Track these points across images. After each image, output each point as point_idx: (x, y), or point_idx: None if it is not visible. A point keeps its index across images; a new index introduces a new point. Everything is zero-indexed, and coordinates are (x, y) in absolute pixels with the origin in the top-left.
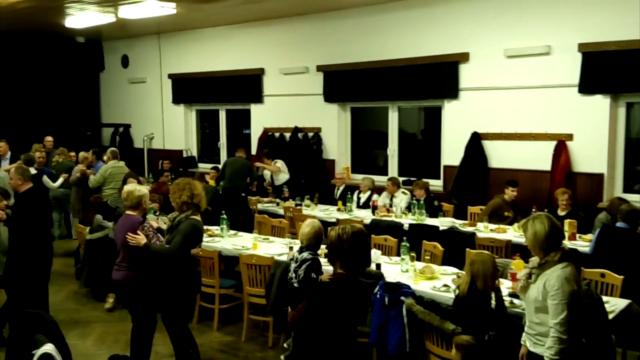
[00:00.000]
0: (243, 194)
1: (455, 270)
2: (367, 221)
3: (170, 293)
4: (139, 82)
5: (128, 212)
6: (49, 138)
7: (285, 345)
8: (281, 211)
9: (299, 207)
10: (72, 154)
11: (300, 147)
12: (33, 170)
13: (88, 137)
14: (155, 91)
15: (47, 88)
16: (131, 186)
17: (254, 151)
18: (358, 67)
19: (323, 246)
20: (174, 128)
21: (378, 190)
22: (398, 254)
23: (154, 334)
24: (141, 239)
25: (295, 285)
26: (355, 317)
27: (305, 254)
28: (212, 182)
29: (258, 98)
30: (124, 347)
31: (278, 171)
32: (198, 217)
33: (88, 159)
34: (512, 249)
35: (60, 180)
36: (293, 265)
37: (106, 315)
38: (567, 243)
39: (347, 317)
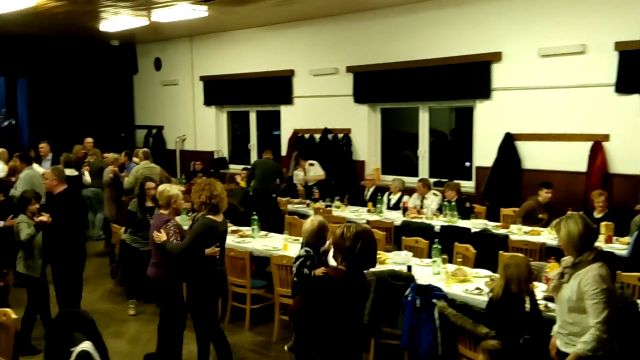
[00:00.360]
0: (273, 195)
1: (488, 273)
2: (398, 223)
3: (189, 291)
4: (171, 85)
5: (161, 211)
6: (89, 139)
7: None
8: (311, 212)
9: (329, 208)
10: (107, 155)
11: (330, 148)
12: (74, 172)
13: (122, 138)
14: (187, 93)
15: (84, 91)
16: (163, 186)
17: (284, 152)
18: (388, 67)
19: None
20: (205, 129)
21: (408, 191)
22: (429, 256)
23: (182, 332)
24: (162, 236)
25: (295, 279)
26: (355, 313)
27: (302, 251)
28: (243, 183)
29: (288, 99)
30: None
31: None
32: (216, 218)
33: (118, 160)
34: (546, 252)
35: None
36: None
37: (141, 314)
38: (604, 246)
39: (345, 312)
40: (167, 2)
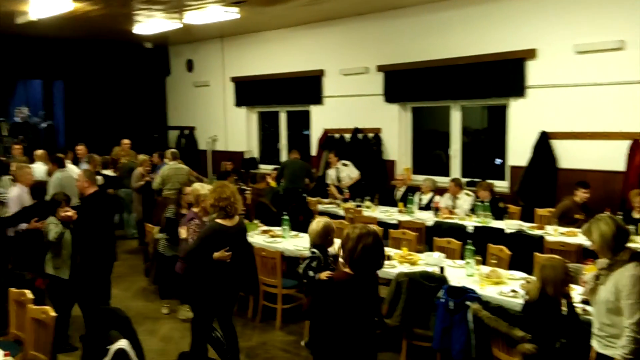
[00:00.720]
0: (303, 195)
1: (524, 275)
2: (430, 223)
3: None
4: (203, 86)
5: (192, 208)
6: (126, 141)
7: None
8: (342, 212)
9: (359, 209)
10: (141, 156)
11: (360, 148)
12: (111, 172)
13: (155, 139)
14: (219, 94)
15: (118, 93)
16: (196, 185)
17: (313, 152)
18: (420, 66)
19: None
20: (236, 130)
21: (440, 191)
22: (462, 258)
23: (209, 326)
24: (182, 233)
25: (304, 280)
26: (363, 314)
27: (308, 252)
28: (273, 183)
29: (318, 99)
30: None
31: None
32: (225, 222)
33: (147, 161)
34: (583, 254)
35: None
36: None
37: (174, 312)
38: None
39: (352, 313)
40: (200, 5)
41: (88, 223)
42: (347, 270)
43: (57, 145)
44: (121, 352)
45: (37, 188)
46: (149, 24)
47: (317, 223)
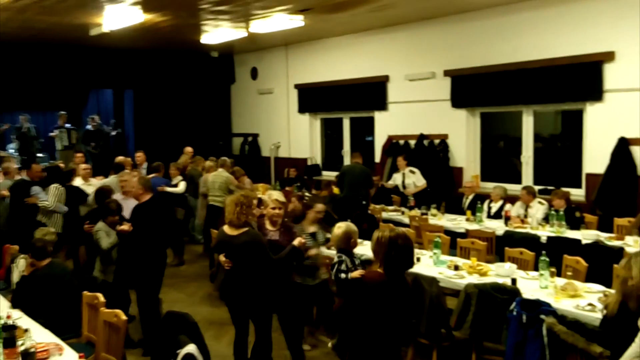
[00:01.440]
0: (364, 202)
1: (602, 288)
2: (500, 232)
3: None
4: (266, 93)
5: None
6: (189, 149)
7: None
8: (406, 220)
9: (425, 216)
10: (208, 162)
11: (426, 154)
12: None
13: (220, 146)
14: (282, 101)
15: (185, 101)
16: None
17: (377, 159)
18: (489, 70)
19: None
20: (299, 137)
21: (510, 199)
22: (535, 269)
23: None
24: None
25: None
26: (395, 315)
27: (335, 257)
28: (336, 190)
29: (382, 105)
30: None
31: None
32: (229, 230)
33: (214, 167)
34: None
35: (181, 186)
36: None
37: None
38: None
39: (383, 314)
40: (265, 14)
41: (140, 229)
42: (379, 270)
43: (127, 152)
44: (190, 356)
45: (102, 192)
46: (216, 33)
47: (338, 229)
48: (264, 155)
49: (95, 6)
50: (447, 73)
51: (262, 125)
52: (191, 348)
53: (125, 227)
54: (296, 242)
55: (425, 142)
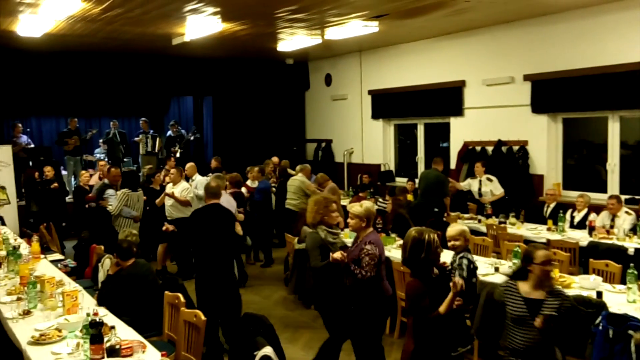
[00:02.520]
0: (436, 210)
1: None
2: (583, 243)
3: None
4: (340, 99)
5: None
6: (275, 159)
7: None
8: (483, 228)
9: (503, 225)
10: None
11: (504, 161)
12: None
13: (294, 152)
14: (356, 107)
15: (260, 107)
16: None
17: (452, 165)
18: (572, 74)
19: None
20: (372, 143)
21: (594, 208)
22: (622, 282)
23: (339, 345)
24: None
25: None
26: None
27: None
28: (410, 197)
29: (458, 111)
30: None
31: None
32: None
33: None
34: None
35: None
36: None
37: (313, 322)
38: None
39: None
40: (340, 20)
41: (199, 234)
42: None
43: (206, 157)
44: (267, 358)
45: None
46: (291, 41)
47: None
48: (337, 161)
49: (177, 16)
50: (527, 77)
51: (335, 131)
52: (268, 350)
53: (171, 227)
54: (337, 255)
55: (504, 148)
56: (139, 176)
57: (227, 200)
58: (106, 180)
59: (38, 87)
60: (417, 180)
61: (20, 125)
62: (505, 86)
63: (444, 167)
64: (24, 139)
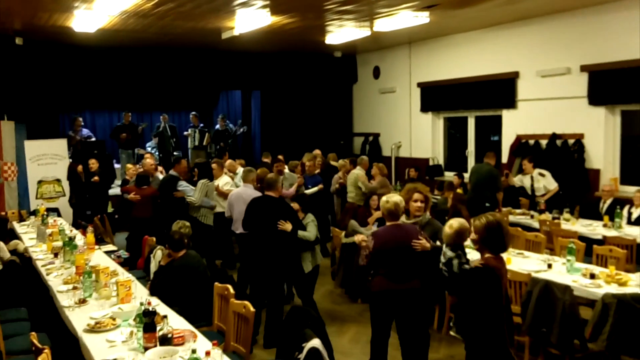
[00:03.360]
0: (488, 205)
1: None
2: None
3: None
4: (388, 92)
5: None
6: (318, 151)
7: None
8: (536, 224)
9: (557, 221)
10: (341, 161)
11: (559, 155)
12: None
13: (341, 146)
14: (404, 100)
15: (308, 101)
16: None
17: (504, 159)
18: (631, 64)
19: None
20: (421, 136)
21: None
22: None
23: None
24: (425, 243)
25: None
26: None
27: (448, 252)
28: (459, 190)
29: (511, 103)
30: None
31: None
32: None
33: (346, 166)
34: None
35: (313, 190)
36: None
37: (360, 316)
38: None
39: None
40: (390, 12)
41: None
42: (489, 255)
43: (253, 151)
44: (315, 350)
45: None
46: (340, 33)
47: (450, 227)
48: (384, 155)
49: (227, 10)
50: (584, 68)
51: (383, 125)
52: (316, 342)
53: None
54: (357, 238)
55: (558, 142)
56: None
57: (250, 194)
58: (173, 172)
59: (92, 82)
60: (465, 175)
61: (80, 119)
62: (560, 77)
63: (496, 161)
64: (85, 132)
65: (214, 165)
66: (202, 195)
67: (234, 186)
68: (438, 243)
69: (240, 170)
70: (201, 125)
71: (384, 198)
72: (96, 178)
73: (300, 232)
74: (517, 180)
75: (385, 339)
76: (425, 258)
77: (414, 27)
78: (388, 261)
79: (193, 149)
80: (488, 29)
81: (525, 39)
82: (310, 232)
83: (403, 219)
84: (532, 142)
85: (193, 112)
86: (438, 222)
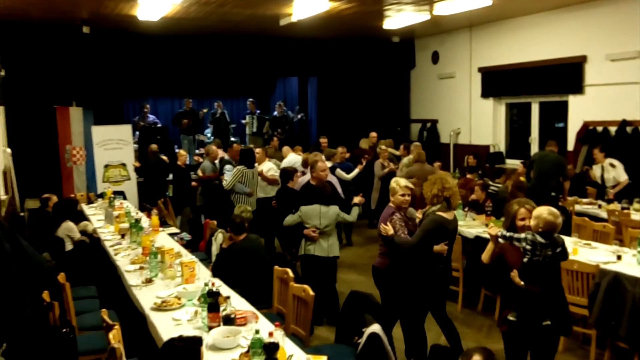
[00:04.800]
0: (553, 194)
1: None
2: None
3: (410, 282)
4: (447, 78)
5: (390, 204)
6: (374, 134)
7: None
8: (604, 214)
9: (626, 211)
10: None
11: (629, 143)
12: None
13: (398, 132)
14: (464, 86)
15: (365, 87)
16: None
17: (570, 147)
18: None
19: None
20: (481, 122)
21: None
22: None
23: (421, 324)
24: (389, 229)
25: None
26: None
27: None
28: (522, 179)
29: (578, 88)
30: (436, 336)
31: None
32: (447, 215)
33: (385, 152)
34: None
35: (354, 172)
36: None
37: None
38: None
39: None
40: None
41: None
42: None
43: (310, 137)
44: (375, 336)
45: (285, 173)
46: (398, 18)
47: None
48: (442, 142)
49: None
50: None
51: (441, 111)
52: (376, 328)
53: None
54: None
55: (629, 129)
56: (255, 154)
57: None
58: (226, 156)
59: (155, 70)
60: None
61: (148, 105)
62: (632, 61)
63: (559, 149)
64: (151, 118)
65: (258, 151)
66: (234, 181)
67: (277, 172)
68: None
69: (290, 156)
70: (258, 112)
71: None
72: (136, 163)
73: (342, 215)
74: (594, 172)
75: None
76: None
77: (475, 10)
78: None
79: (251, 135)
80: (554, 11)
81: (594, 21)
82: (352, 215)
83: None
84: (600, 129)
85: (250, 99)
86: (433, 220)
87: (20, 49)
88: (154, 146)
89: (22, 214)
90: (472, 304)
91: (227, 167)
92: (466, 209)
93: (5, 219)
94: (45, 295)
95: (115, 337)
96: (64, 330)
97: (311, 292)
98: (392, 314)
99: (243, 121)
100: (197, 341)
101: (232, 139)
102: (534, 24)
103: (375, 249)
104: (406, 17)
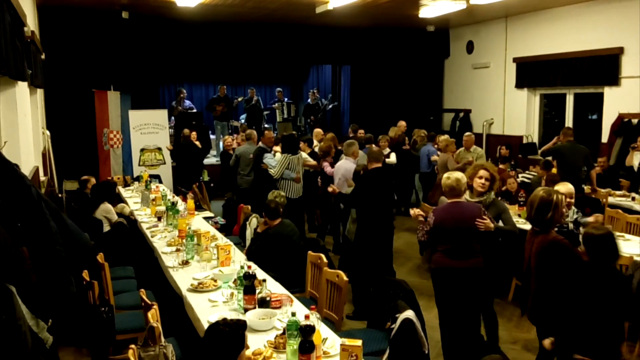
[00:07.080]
0: (582, 185)
1: None
2: None
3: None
4: (482, 67)
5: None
6: (402, 123)
7: None
8: (637, 207)
9: None
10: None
11: None
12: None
13: (431, 121)
14: (498, 76)
15: (398, 76)
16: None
17: (604, 139)
18: None
19: None
20: (514, 113)
21: None
22: None
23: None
24: (489, 223)
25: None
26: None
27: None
28: (554, 171)
29: (614, 80)
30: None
31: None
32: None
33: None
34: None
35: (392, 157)
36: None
37: None
38: None
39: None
40: None
41: (365, 195)
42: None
43: (342, 125)
44: (408, 321)
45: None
46: (434, 7)
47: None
48: (475, 132)
49: None
50: None
51: (475, 101)
52: (410, 314)
53: (330, 189)
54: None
55: None
56: (299, 140)
57: (348, 168)
58: (261, 144)
59: (191, 56)
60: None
61: (184, 90)
62: None
63: (594, 140)
64: (187, 103)
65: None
66: (282, 169)
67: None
68: (501, 224)
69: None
70: (285, 99)
71: (445, 174)
72: (170, 147)
73: None
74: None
75: (454, 318)
76: (487, 238)
77: (512, 1)
78: (447, 238)
79: (281, 122)
80: (591, 2)
81: (631, 12)
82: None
83: (466, 196)
84: (635, 121)
85: (278, 88)
86: (503, 203)
87: (60, 34)
88: (186, 130)
89: (60, 195)
90: (502, 294)
91: (268, 155)
92: (499, 199)
93: None
94: (85, 274)
95: (153, 316)
96: (103, 309)
97: (345, 278)
98: (487, 311)
99: (273, 106)
100: (242, 326)
101: (265, 125)
102: (570, 15)
103: (410, 238)
104: (442, 6)
